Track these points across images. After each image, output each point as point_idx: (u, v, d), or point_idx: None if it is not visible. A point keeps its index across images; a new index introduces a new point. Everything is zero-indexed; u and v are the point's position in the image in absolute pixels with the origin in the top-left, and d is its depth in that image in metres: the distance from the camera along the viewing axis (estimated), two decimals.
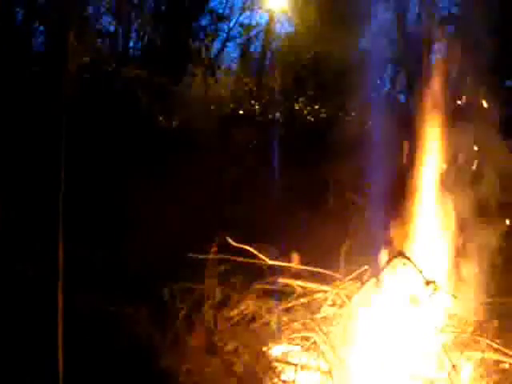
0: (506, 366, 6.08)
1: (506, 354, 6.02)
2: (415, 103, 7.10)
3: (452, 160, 6.73)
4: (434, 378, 5.86)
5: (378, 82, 8.90)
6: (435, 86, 6.83)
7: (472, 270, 6.49)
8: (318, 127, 9.43)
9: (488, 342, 6.04)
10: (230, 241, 7.09)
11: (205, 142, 8.91)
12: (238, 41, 12.31)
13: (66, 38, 8.46)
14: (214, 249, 7.08)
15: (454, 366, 5.58)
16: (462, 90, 6.92)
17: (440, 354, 5.78)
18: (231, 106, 10.18)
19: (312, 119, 9.83)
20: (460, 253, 6.55)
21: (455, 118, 6.76)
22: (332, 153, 8.42)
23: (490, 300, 6.48)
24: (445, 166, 6.72)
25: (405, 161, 6.83)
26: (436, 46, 7.73)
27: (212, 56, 11.56)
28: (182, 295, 6.88)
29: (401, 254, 6.60)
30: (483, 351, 5.94)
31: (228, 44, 12.22)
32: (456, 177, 6.68)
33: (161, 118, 9.30)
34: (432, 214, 6.71)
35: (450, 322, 6.25)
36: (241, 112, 9.92)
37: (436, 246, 6.66)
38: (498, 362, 6.14)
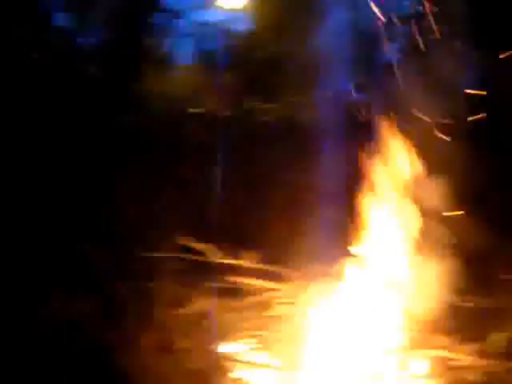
0: (458, 363, 6.16)
1: (457, 352, 6.16)
2: (369, 103, 7.15)
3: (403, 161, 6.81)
4: (387, 375, 5.96)
5: (332, 82, 8.97)
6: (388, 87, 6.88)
7: (428, 268, 6.46)
8: (271, 126, 9.46)
9: (440, 339, 6.20)
10: (182, 240, 7.11)
11: (156, 140, 8.90)
12: (193, 38, 12.25)
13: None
14: (167, 248, 7.08)
15: (407, 363, 5.69)
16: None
17: (395, 352, 5.90)
18: (184, 103, 10.16)
19: (265, 118, 9.87)
20: (416, 251, 6.59)
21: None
22: (284, 152, 8.49)
23: (446, 299, 6.43)
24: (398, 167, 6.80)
25: (359, 161, 6.89)
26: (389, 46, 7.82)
27: (166, 53, 11.52)
28: (135, 294, 6.89)
29: (354, 252, 6.69)
30: (436, 349, 6.07)
31: (182, 41, 12.18)
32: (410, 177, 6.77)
33: (113, 117, 9.25)
34: (387, 212, 6.72)
35: (405, 320, 6.30)
36: (194, 110, 9.91)
37: (391, 245, 6.66)
38: (450, 360, 6.20)
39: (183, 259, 7.08)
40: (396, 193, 6.66)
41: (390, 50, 7.76)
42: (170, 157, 8.78)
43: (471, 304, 6.91)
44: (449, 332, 6.46)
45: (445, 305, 6.39)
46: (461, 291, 6.68)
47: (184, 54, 11.58)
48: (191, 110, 9.51)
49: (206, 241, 7.18)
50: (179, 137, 9.00)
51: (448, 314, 6.45)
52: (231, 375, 6.00)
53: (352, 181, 7.03)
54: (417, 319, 6.33)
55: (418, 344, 5.98)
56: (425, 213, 6.56)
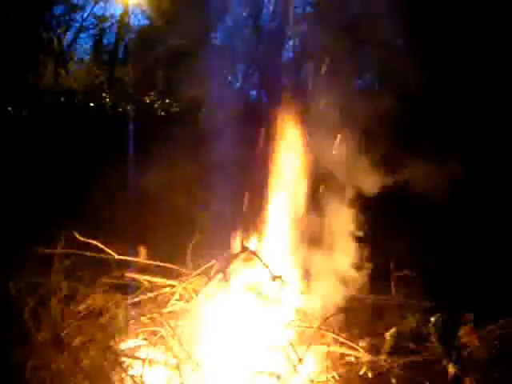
0: (352, 358, 6.27)
1: (351, 348, 6.24)
2: (268, 101, 7.23)
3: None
4: (280, 372, 5.89)
5: (230, 78, 9.00)
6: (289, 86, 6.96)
7: (324, 264, 6.64)
8: (169, 121, 9.44)
9: (334, 335, 6.26)
10: (77, 235, 7.01)
11: (53, 134, 8.70)
12: (91, 32, 12.03)
13: None
14: (61, 243, 6.95)
15: (300, 359, 5.75)
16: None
17: (286, 348, 5.90)
18: (82, 98, 9.96)
19: (163, 113, 9.81)
20: (310, 247, 6.71)
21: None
22: (182, 147, 8.49)
23: (338, 294, 6.61)
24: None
25: (258, 158, 6.95)
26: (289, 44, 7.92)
27: (64, 47, 11.20)
28: (29, 289, 6.73)
29: (247, 249, 6.73)
30: (329, 345, 6.14)
31: (81, 35, 11.90)
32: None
33: (9, 109, 8.94)
34: (282, 208, 6.83)
35: (297, 317, 6.40)
36: (92, 104, 9.74)
37: (285, 241, 6.78)
38: (343, 356, 6.33)
39: (79, 255, 6.97)
40: (294, 189, 6.81)
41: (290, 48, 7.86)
42: (66, 151, 8.64)
43: (367, 300, 7.21)
44: (344, 328, 6.59)
45: (341, 301, 6.61)
46: (357, 287, 6.88)
47: (83, 48, 11.40)
48: (91, 105, 9.39)
49: (102, 237, 7.11)
50: (77, 131, 8.87)
51: (344, 310, 6.62)
52: (128, 372, 5.93)
53: (250, 177, 7.11)
54: (312, 315, 6.47)
55: (311, 340, 6.09)
56: (322, 209, 6.74)
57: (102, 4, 11.26)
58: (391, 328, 6.32)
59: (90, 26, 11.64)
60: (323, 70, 7.18)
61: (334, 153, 6.92)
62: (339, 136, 6.93)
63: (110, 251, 7.13)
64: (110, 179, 8.24)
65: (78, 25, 11.48)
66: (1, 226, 7.46)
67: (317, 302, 6.56)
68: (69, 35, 11.26)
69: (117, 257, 7.16)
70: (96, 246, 7.06)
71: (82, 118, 9.40)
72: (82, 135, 8.90)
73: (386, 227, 6.91)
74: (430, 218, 7.87)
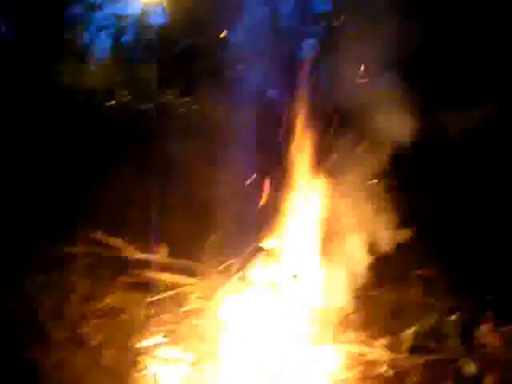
0: (372, 357, 6.23)
1: (371, 346, 6.24)
2: (287, 101, 7.16)
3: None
4: (300, 371, 5.95)
5: (250, 77, 8.98)
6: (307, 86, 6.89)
7: (341, 263, 6.50)
8: (190, 120, 9.45)
9: (354, 334, 6.28)
10: (98, 234, 7.01)
11: (72, 133, 8.74)
12: (111, 31, 12.08)
13: None
14: (81, 242, 6.97)
15: (319, 358, 5.78)
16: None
17: (307, 345, 5.91)
18: (102, 96, 10.02)
19: (183, 111, 9.85)
20: (330, 246, 6.59)
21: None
22: (200, 146, 8.47)
23: (359, 292, 6.51)
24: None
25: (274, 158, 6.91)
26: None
27: (83, 45, 11.28)
28: (49, 288, 6.75)
29: (267, 246, 6.69)
30: (349, 343, 6.13)
31: (100, 34, 11.97)
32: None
33: (29, 108, 9.04)
34: (300, 208, 6.73)
35: (317, 315, 6.32)
36: (112, 103, 9.78)
37: (305, 240, 6.66)
38: (363, 354, 6.28)
39: (96, 254, 6.98)
40: (309, 190, 6.76)
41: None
42: (86, 149, 8.64)
43: (385, 298, 7.14)
44: (361, 326, 6.54)
45: (358, 299, 6.53)
46: (374, 286, 6.81)
47: (102, 47, 11.43)
48: (107, 104, 9.42)
49: (119, 235, 7.12)
50: (97, 129, 8.88)
51: (361, 309, 6.58)
52: (146, 371, 5.95)
53: (265, 177, 7.09)
54: (329, 313, 6.38)
55: (329, 339, 6.05)
56: (338, 210, 6.68)
57: (121, 3, 11.30)
58: (411, 327, 6.30)
59: (110, 25, 11.69)
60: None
61: None
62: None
63: (129, 250, 7.13)
64: (129, 178, 8.23)
65: (97, 23, 11.54)
66: (18, 225, 7.48)
67: (336, 301, 6.47)
68: (88, 34, 11.32)
69: (136, 256, 7.17)
70: (116, 244, 7.07)
71: (102, 118, 9.42)
72: (102, 134, 8.91)
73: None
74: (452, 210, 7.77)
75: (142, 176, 8.56)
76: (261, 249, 6.69)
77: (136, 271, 7.06)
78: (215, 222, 7.84)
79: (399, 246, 6.63)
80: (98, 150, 8.61)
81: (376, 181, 6.67)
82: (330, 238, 6.65)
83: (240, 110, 8.52)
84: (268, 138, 7.27)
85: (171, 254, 7.44)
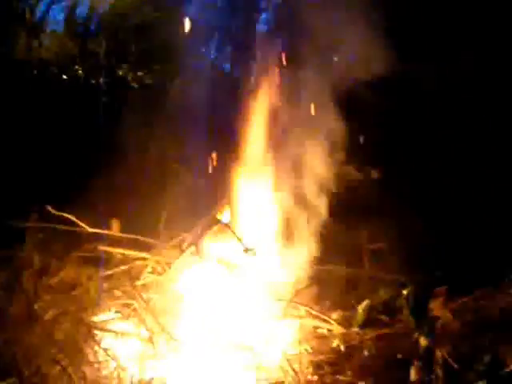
0: (324, 331, 6.26)
1: (323, 320, 6.23)
2: (240, 74, 7.11)
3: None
4: (253, 345, 5.93)
5: (204, 51, 8.88)
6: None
7: (295, 238, 6.60)
8: (142, 94, 9.35)
9: (306, 308, 6.24)
10: (50, 208, 6.93)
11: (24, 106, 8.55)
12: (64, 4, 11.85)
13: None
14: (34, 216, 6.87)
15: (272, 332, 5.80)
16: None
17: (259, 321, 5.91)
18: (55, 70, 9.83)
19: (136, 85, 9.72)
20: (284, 218, 6.66)
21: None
22: (155, 120, 8.40)
23: (311, 266, 6.59)
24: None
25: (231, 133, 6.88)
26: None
27: (36, 18, 11.02)
28: (1, 263, 6.66)
29: (220, 221, 6.69)
30: (301, 318, 6.12)
31: (53, 6, 11.74)
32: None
33: None
34: (256, 184, 6.75)
35: (270, 290, 6.34)
36: (64, 77, 9.61)
37: (259, 215, 6.71)
38: (316, 328, 6.30)
39: (51, 229, 6.89)
40: (268, 165, 6.76)
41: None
42: (37, 124, 8.49)
43: (337, 273, 7.22)
44: (313, 301, 6.55)
45: (312, 274, 6.58)
46: (326, 260, 6.88)
47: (55, 20, 11.22)
48: (64, 77, 9.27)
49: (74, 210, 7.03)
50: (50, 104, 8.72)
51: (314, 283, 6.61)
52: (101, 345, 5.86)
53: (222, 151, 7.03)
54: (283, 288, 6.42)
55: (284, 312, 6.10)
56: (295, 184, 6.70)
57: None
58: (363, 301, 6.35)
59: None
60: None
61: None
62: None
63: (82, 224, 7.06)
64: (81, 151, 8.14)
65: None
66: None
67: (289, 275, 6.52)
68: (41, 6, 11.08)
69: (89, 230, 7.10)
70: (68, 219, 6.98)
71: (54, 91, 9.24)
72: (54, 108, 8.75)
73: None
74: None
75: (95, 150, 8.48)
76: (213, 222, 6.66)
77: (89, 246, 7.04)
78: (167, 197, 7.82)
79: (352, 220, 6.71)
80: (50, 124, 8.47)
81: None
82: (283, 211, 6.69)
83: (193, 83, 8.47)
84: (222, 112, 7.22)
85: (124, 229, 7.44)
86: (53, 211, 6.89)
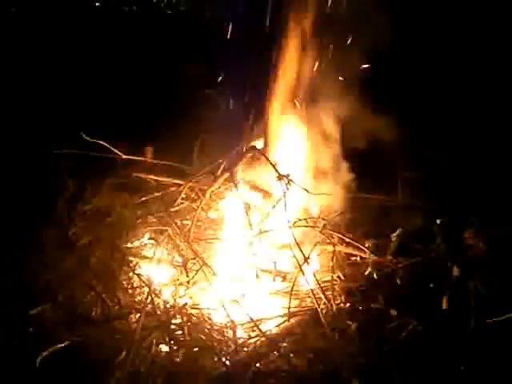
0: (357, 259, 6.26)
1: (356, 248, 6.18)
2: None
3: None
4: (286, 272, 5.95)
5: None
6: None
7: (330, 165, 6.42)
8: (176, 21, 9.14)
9: (340, 236, 6.18)
10: (83, 135, 6.86)
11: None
12: None
13: None
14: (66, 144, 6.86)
15: (305, 259, 5.66)
16: None
17: (292, 247, 5.80)
18: None
19: (169, 12, 9.48)
20: (318, 149, 6.44)
21: None
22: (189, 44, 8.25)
23: (344, 194, 6.45)
24: None
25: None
26: None
27: None
28: (33, 190, 6.71)
29: (254, 148, 6.54)
30: (334, 245, 6.02)
31: None
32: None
33: None
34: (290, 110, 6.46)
35: (303, 217, 6.25)
36: (97, 4, 9.41)
37: (294, 143, 6.52)
38: (349, 256, 6.30)
39: (85, 156, 6.87)
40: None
41: None
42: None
43: (371, 201, 7.08)
44: (350, 228, 6.52)
45: (346, 202, 6.45)
46: (360, 188, 6.73)
47: None
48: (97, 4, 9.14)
49: (107, 136, 6.99)
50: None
51: (349, 212, 6.52)
52: (135, 271, 5.91)
53: (260, 75, 6.74)
54: (318, 215, 6.34)
55: (317, 240, 5.99)
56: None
57: None
58: (397, 229, 6.24)
59: None
60: None
61: None
62: None
63: (116, 151, 7.04)
64: (116, 79, 8.04)
65: None
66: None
67: (323, 202, 6.40)
68: None
69: (123, 156, 7.09)
70: (103, 146, 6.95)
71: (86, 17, 9.08)
72: (86, 35, 8.63)
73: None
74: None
75: (129, 75, 8.37)
76: (249, 149, 6.53)
77: (123, 172, 7.04)
78: (202, 124, 7.72)
79: (386, 147, 6.55)
80: (87, 50, 8.36)
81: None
82: (317, 142, 6.58)
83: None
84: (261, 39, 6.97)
85: (158, 156, 7.39)
86: (87, 138, 6.87)
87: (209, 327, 5.39)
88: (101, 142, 6.91)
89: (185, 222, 6.58)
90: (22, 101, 7.90)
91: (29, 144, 7.39)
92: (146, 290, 5.65)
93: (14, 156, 7.33)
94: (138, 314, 5.35)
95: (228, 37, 7.50)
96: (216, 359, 5.02)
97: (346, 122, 6.39)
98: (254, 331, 5.39)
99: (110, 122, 7.59)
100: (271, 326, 5.49)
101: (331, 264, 5.93)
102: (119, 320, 5.40)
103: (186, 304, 5.53)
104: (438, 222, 6.16)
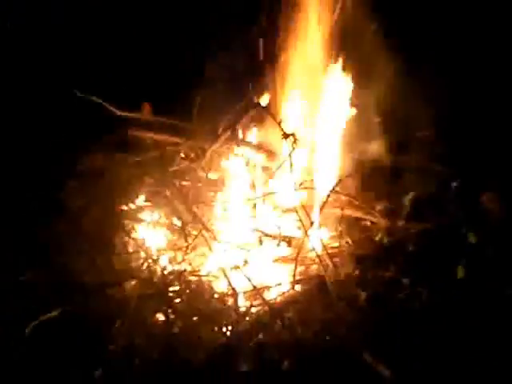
0: (367, 223, 6.07)
1: (366, 212, 5.99)
2: None
3: None
4: (291, 236, 5.74)
5: None
6: None
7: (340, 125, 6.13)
8: None
9: (349, 198, 5.97)
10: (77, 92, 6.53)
11: None
12: None
13: None
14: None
15: (311, 223, 5.48)
16: None
17: (298, 210, 5.61)
18: None
19: None
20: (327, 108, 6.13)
21: None
22: None
23: (355, 155, 6.27)
24: None
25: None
26: None
27: None
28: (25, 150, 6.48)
29: (259, 104, 6.32)
30: (343, 208, 5.87)
31: None
32: None
33: None
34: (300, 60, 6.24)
35: (310, 178, 6.05)
36: None
37: (300, 95, 6.28)
38: (358, 220, 6.10)
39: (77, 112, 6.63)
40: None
41: None
42: None
43: (385, 162, 6.67)
44: (360, 191, 6.25)
45: (356, 163, 6.21)
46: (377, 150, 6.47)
47: None
48: None
49: (102, 95, 6.64)
50: None
51: (359, 173, 6.26)
52: (131, 235, 5.70)
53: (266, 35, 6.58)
54: (329, 177, 6.05)
55: (324, 202, 5.71)
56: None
57: None
58: (409, 193, 6.03)
59: None
60: None
61: None
62: None
63: (111, 108, 6.67)
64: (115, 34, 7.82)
65: None
66: None
67: (332, 163, 6.09)
68: None
69: (118, 113, 6.70)
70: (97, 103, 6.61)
71: None
72: None
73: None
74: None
75: (126, 30, 8.12)
76: (253, 105, 6.34)
77: (118, 131, 6.68)
78: (203, 79, 7.41)
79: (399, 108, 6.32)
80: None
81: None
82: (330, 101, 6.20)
83: None
84: None
85: (157, 112, 7.02)
86: (81, 95, 6.54)
87: (209, 295, 5.17)
88: (95, 99, 6.58)
89: (184, 183, 6.36)
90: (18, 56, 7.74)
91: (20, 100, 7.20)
92: (143, 255, 5.48)
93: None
94: (134, 281, 5.18)
95: None
96: (216, 329, 4.83)
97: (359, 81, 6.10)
98: (256, 299, 5.17)
99: (104, 79, 7.29)
100: (275, 295, 5.26)
101: (339, 229, 5.75)
102: (113, 287, 5.19)
103: (185, 270, 5.34)
104: (454, 185, 5.93)
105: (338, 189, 5.85)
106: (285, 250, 5.69)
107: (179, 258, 5.51)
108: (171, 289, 5.18)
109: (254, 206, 5.86)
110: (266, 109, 6.26)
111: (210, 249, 5.42)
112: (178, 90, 7.28)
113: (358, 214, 6.05)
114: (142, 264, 5.36)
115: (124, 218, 5.89)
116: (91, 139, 6.50)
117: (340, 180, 5.88)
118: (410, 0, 6.97)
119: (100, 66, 7.75)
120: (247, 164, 6.15)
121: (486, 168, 6.23)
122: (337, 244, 5.71)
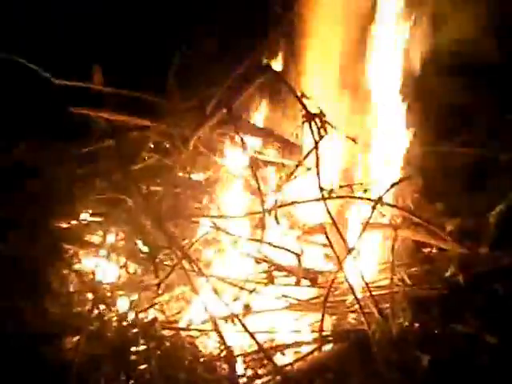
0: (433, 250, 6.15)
1: (431, 233, 5.98)
2: None
3: None
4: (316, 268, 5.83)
5: None
6: None
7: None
8: None
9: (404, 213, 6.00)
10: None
11: None
12: None
13: None
14: None
15: (348, 249, 5.35)
16: None
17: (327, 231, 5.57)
18: None
19: None
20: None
21: None
22: None
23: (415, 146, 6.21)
24: None
25: None
26: None
27: None
28: None
29: (268, 68, 6.55)
30: (397, 228, 5.89)
31: None
32: None
33: None
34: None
35: (345, 183, 6.20)
36: None
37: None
38: (419, 245, 6.20)
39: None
40: None
41: None
42: None
43: (459, 157, 7.04)
44: (421, 201, 6.44)
45: (416, 158, 6.26)
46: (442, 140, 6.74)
47: None
48: None
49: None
50: None
51: (422, 173, 6.39)
52: (73, 266, 5.92)
53: None
54: (376, 181, 6.19)
55: (373, 220, 5.71)
56: None
57: None
58: (496, 204, 5.98)
59: None
60: None
61: None
62: None
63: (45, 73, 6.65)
64: None
65: None
66: None
67: (382, 160, 6.23)
68: None
69: (56, 82, 6.61)
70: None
71: None
72: None
73: None
74: None
75: None
76: (261, 70, 6.56)
77: (56, 106, 6.68)
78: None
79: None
80: None
81: None
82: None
83: None
84: None
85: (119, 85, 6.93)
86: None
87: (191, 359, 5.17)
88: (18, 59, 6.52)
89: (154, 187, 6.48)
90: None
91: None
92: (90, 296, 5.51)
93: None
94: (77, 337, 5.14)
95: None
96: None
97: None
98: (263, 366, 5.14)
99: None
100: (291, 359, 5.22)
101: (390, 259, 5.69)
102: (46, 346, 5.19)
103: (155, 321, 5.34)
104: None
105: (388, 199, 5.77)
106: (307, 291, 5.74)
107: (146, 303, 5.57)
108: (134, 349, 5.13)
109: (262, 223, 5.82)
110: (280, 75, 6.39)
111: (193, 288, 5.38)
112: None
113: (420, 237, 5.96)
114: (90, 310, 5.33)
115: (63, 239, 6.02)
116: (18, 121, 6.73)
117: (392, 185, 5.74)
118: None
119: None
120: (251, 160, 6.11)
121: None
122: (386, 282, 5.66)
